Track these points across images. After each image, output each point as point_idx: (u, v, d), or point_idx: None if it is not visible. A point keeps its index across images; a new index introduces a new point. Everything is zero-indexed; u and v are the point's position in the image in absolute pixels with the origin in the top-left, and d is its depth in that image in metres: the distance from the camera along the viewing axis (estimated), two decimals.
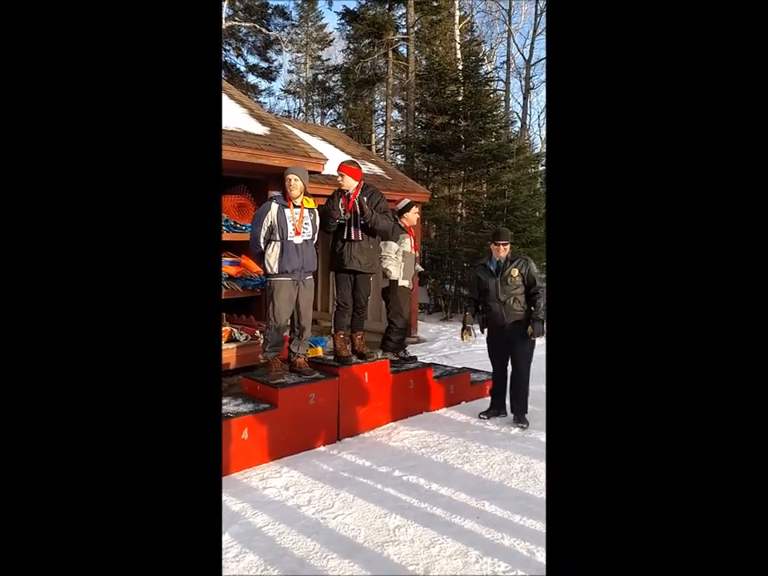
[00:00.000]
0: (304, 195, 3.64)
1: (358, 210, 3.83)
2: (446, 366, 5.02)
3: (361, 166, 4.15)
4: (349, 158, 5.74)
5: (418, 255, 4.63)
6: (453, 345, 7.08)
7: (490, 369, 4.31)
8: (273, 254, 3.52)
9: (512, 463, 3.24)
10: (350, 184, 3.87)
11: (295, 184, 3.54)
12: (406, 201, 4.57)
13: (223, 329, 5.04)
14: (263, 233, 3.53)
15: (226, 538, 2.41)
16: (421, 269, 4.82)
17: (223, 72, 17.15)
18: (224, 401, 3.52)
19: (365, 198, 3.86)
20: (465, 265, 9.98)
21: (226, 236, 5.03)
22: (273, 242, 3.53)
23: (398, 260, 4.28)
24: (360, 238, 3.86)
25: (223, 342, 5.00)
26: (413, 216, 4.48)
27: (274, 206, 3.51)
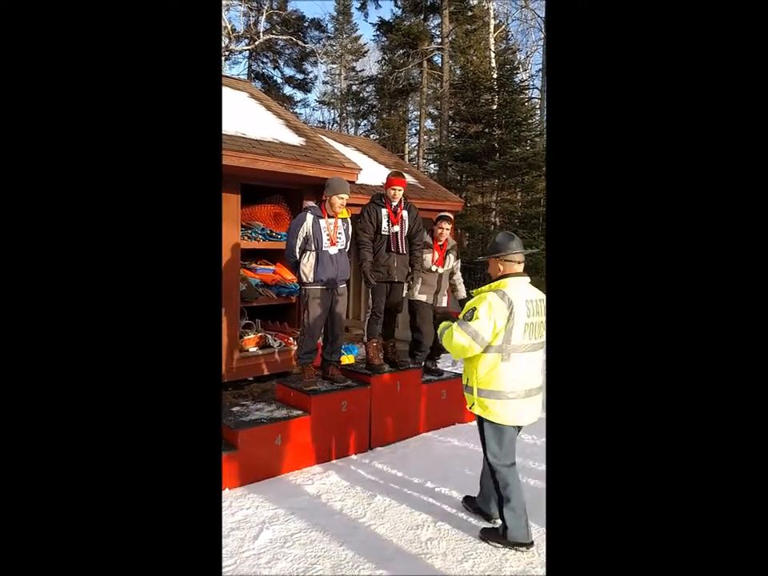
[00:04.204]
0: None
1: (406, 224, 3.92)
2: None
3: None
4: (390, 170, 5.72)
5: (443, 270, 4.35)
6: None
7: None
8: (308, 264, 3.58)
9: None
10: (400, 196, 3.93)
11: (344, 202, 3.60)
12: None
13: (257, 335, 5.13)
14: (299, 243, 3.59)
15: (258, 543, 2.43)
16: (463, 295, 4.64)
17: (260, 84, 17.59)
18: (258, 406, 3.58)
19: (405, 212, 3.93)
20: None
21: (262, 244, 5.13)
22: (308, 252, 3.58)
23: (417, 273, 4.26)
24: (406, 251, 3.96)
25: (257, 348, 5.08)
26: (436, 230, 4.36)
27: (309, 217, 3.56)
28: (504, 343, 2.23)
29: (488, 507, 2.61)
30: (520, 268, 2.32)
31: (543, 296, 2.33)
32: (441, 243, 4.34)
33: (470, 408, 2.45)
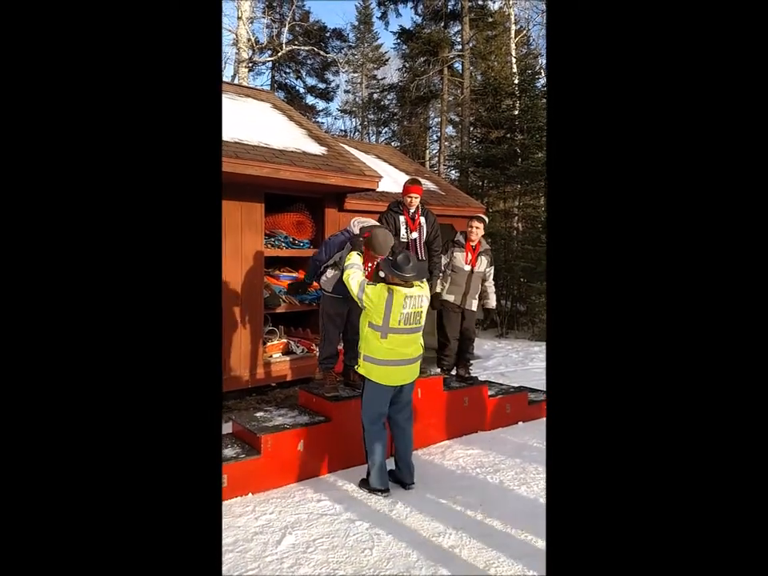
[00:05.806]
0: None
1: (424, 230, 3.94)
2: (501, 385, 4.90)
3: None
4: (409, 176, 5.72)
5: (475, 271, 4.29)
6: (509, 362, 6.92)
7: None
8: (331, 278, 3.64)
9: None
10: (417, 203, 3.93)
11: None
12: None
13: (280, 341, 5.19)
14: (328, 262, 3.64)
15: (281, 548, 2.46)
16: (492, 304, 4.53)
17: (283, 94, 17.85)
18: (281, 412, 3.62)
19: (423, 218, 3.96)
20: (522, 280, 9.77)
21: (285, 252, 5.20)
22: (333, 269, 3.64)
23: (444, 273, 4.24)
24: (424, 258, 3.97)
25: (281, 354, 5.14)
26: (467, 229, 4.32)
27: (346, 251, 3.57)
28: (384, 326, 3.04)
29: (403, 476, 3.19)
30: (407, 282, 3.06)
31: (424, 293, 3.12)
32: (473, 244, 4.29)
33: (357, 368, 3.20)
